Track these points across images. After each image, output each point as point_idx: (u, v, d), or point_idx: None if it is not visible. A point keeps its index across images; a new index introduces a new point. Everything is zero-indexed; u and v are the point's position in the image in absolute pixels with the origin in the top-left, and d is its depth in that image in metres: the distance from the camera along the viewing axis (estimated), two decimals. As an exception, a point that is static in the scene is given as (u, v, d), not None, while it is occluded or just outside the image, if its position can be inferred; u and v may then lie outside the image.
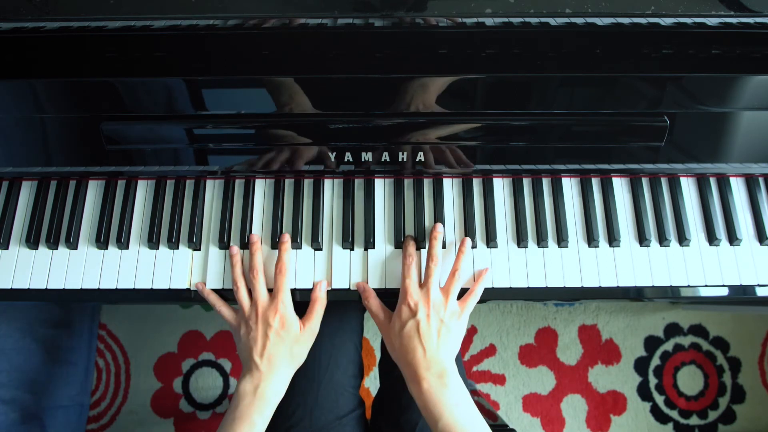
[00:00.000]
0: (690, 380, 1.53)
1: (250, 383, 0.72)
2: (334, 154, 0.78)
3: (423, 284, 0.75)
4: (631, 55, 0.75)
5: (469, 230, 0.81)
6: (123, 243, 0.81)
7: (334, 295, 0.79)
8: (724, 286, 0.80)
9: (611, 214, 0.82)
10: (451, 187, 0.84)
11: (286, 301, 0.75)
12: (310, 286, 0.79)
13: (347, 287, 0.79)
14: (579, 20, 0.68)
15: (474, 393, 0.81)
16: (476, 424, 0.69)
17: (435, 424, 0.69)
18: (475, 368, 1.52)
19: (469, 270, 0.79)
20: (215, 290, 0.79)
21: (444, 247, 0.80)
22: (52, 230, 0.82)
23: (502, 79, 0.74)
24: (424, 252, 0.80)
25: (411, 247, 0.78)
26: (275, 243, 0.81)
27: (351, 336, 0.90)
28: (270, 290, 0.76)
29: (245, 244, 0.81)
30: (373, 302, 0.77)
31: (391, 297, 0.78)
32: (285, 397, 0.73)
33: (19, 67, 0.74)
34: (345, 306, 0.79)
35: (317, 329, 0.78)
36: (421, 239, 0.81)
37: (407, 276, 0.75)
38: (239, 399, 0.72)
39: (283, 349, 0.73)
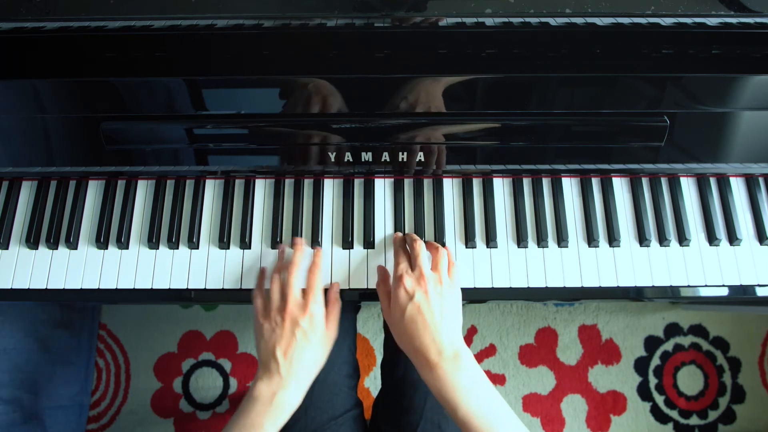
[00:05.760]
0: (690, 380, 1.53)
1: (268, 388, 0.68)
2: (334, 154, 0.78)
3: (413, 266, 0.72)
4: (631, 55, 0.75)
5: (469, 230, 0.81)
6: (123, 243, 0.81)
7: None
8: (724, 286, 0.80)
9: (611, 214, 0.82)
10: (451, 187, 0.84)
11: (318, 299, 0.73)
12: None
13: (346, 287, 0.79)
14: (579, 20, 0.68)
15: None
16: (498, 410, 0.66)
17: (454, 413, 0.65)
18: (475, 368, 1.52)
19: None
20: (215, 290, 0.79)
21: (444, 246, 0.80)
22: (52, 230, 0.82)
23: (502, 80, 0.74)
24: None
25: (398, 235, 0.80)
26: (275, 243, 0.81)
27: (344, 337, 0.90)
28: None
29: (246, 244, 0.81)
30: (384, 288, 0.76)
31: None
32: None
33: (19, 67, 0.74)
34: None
35: (336, 333, 0.76)
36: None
37: (399, 262, 0.73)
38: (253, 403, 0.67)
39: (308, 352, 0.70)
